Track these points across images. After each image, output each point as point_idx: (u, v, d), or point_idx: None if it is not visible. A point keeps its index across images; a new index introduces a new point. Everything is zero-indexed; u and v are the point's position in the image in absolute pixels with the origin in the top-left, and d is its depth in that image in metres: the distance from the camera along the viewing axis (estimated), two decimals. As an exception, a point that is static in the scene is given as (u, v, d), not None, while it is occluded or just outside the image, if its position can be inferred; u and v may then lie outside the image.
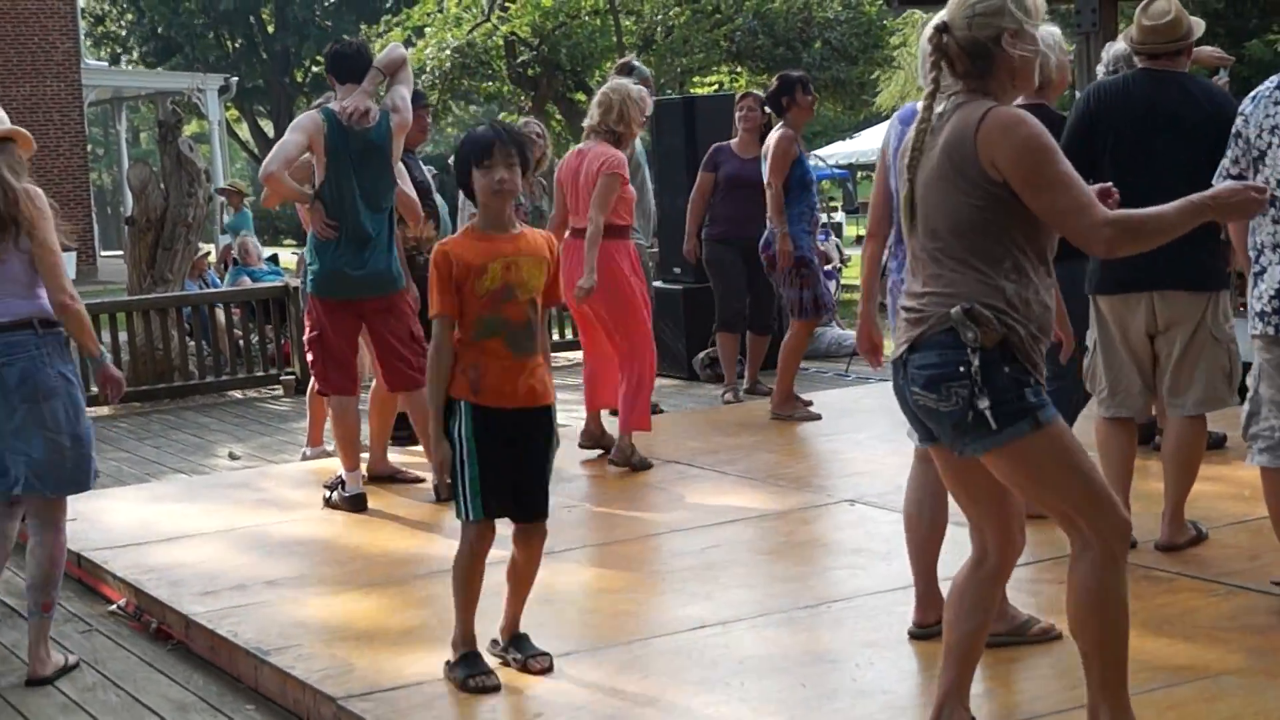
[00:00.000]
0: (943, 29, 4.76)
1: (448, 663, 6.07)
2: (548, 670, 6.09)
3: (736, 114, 12.52)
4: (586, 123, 10.02)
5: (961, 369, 4.61)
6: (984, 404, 4.59)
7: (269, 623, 6.97)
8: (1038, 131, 4.65)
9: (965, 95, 4.75)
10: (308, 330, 9.26)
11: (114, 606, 7.79)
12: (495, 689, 5.92)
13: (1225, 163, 6.52)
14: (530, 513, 6.10)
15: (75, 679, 6.80)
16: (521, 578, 6.21)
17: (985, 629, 5.06)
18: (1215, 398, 7.09)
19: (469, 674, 5.96)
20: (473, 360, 5.92)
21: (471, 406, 5.91)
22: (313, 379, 10.04)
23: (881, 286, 6.55)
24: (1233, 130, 6.49)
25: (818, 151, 32.64)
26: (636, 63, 12.82)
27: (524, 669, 6.10)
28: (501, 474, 5.94)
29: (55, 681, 6.76)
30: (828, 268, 18.66)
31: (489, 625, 6.21)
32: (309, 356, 9.34)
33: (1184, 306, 6.94)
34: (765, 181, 11.37)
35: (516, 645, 6.21)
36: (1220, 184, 5.39)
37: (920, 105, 4.87)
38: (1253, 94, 6.46)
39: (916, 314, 4.75)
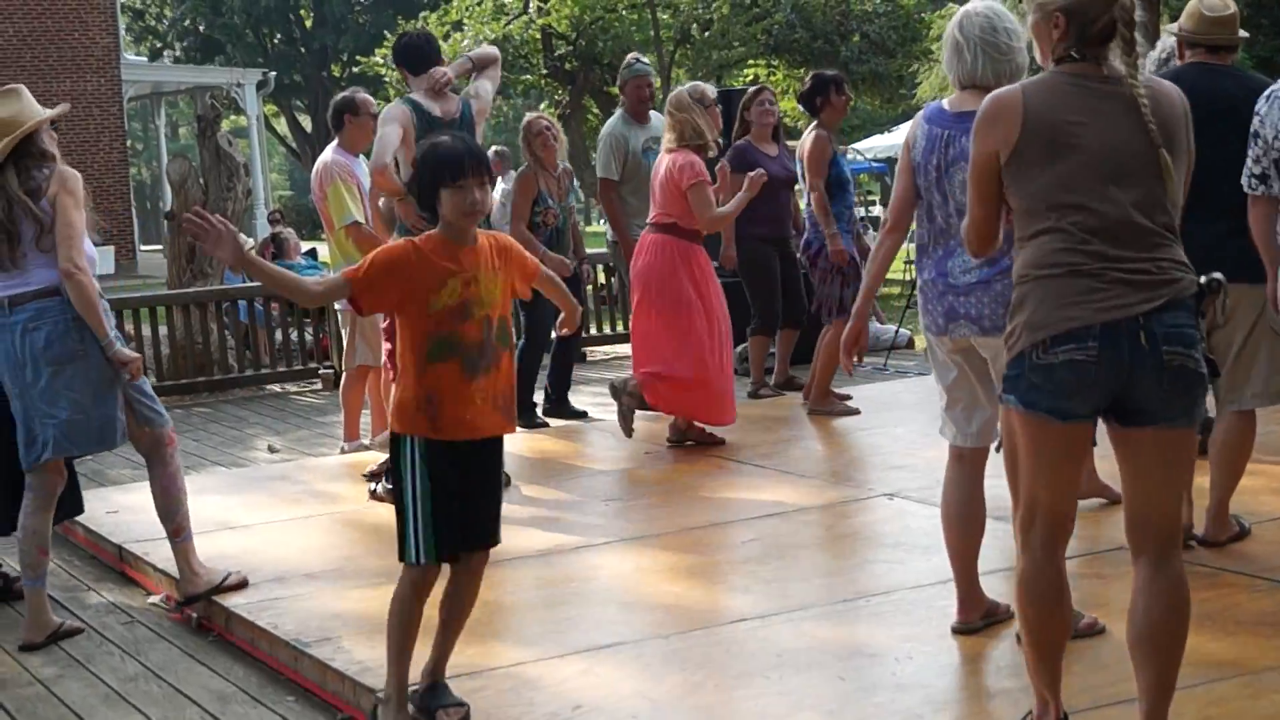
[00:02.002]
0: None
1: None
2: None
3: (754, 110, 12.33)
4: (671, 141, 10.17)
5: (1198, 335, 4.58)
6: (1208, 372, 4.63)
7: (309, 615, 6.99)
8: None
9: (1110, 63, 4.70)
10: (386, 321, 9.07)
11: (155, 599, 7.82)
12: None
13: (1248, 161, 6.49)
14: (486, 540, 5.71)
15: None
16: (463, 609, 5.74)
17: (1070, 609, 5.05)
18: (1275, 390, 7.04)
19: (434, 708, 5.61)
20: (428, 390, 5.45)
21: (425, 441, 5.48)
22: (344, 375, 10.07)
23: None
24: (1251, 129, 6.46)
25: (856, 145, 32.58)
26: (638, 58, 12.87)
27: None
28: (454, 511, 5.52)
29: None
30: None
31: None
32: (386, 346, 9.24)
33: (1246, 299, 6.83)
34: (805, 183, 11.38)
35: (433, 694, 5.69)
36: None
37: (1128, 74, 4.69)
38: (1267, 92, 6.42)
39: (1155, 275, 4.57)
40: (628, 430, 10.13)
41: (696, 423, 10.24)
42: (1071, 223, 4.62)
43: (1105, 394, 4.62)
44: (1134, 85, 4.63)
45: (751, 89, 12.87)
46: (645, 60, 13.12)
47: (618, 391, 10.11)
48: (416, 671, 5.69)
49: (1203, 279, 4.60)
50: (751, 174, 10.05)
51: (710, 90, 10.34)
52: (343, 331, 10.72)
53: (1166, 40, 7.60)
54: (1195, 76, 6.95)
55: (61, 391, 7.09)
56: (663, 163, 10.11)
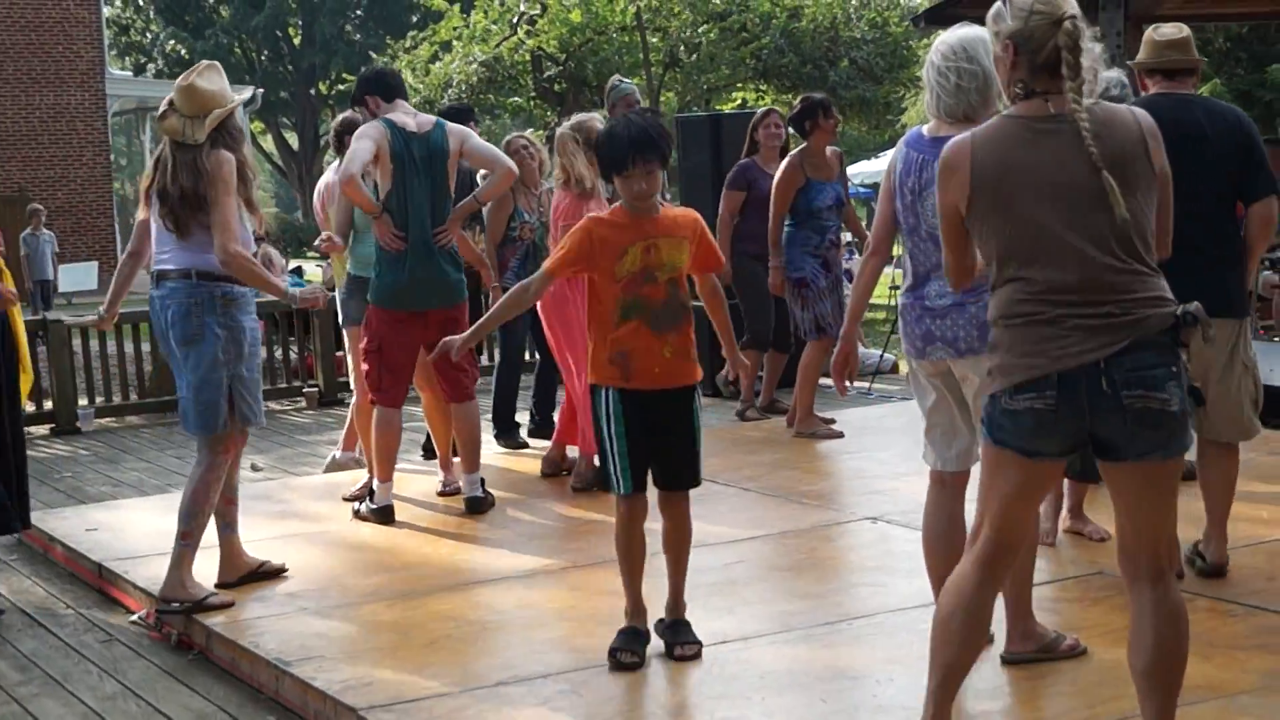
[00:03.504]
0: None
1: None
2: (693, 658, 6.29)
3: (761, 131, 12.47)
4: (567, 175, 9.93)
5: (1174, 369, 4.56)
6: (1188, 404, 4.60)
7: (290, 634, 6.97)
8: None
9: (1070, 96, 4.67)
10: (365, 342, 9.12)
11: (135, 617, 7.80)
12: (632, 668, 6.20)
13: None
14: (683, 483, 6.45)
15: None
16: (680, 548, 6.48)
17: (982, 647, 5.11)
18: (1249, 426, 7.05)
19: (617, 647, 6.25)
20: (619, 347, 6.20)
21: (620, 391, 6.23)
22: (355, 391, 10.05)
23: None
24: None
25: (854, 167, 32.60)
26: (621, 79, 12.86)
27: (669, 654, 6.33)
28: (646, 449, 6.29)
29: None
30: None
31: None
32: (364, 368, 9.22)
33: (1222, 334, 6.81)
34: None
35: (672, 630, 6.42)
36: None
37: (1073, 102, 4.66)
38: None
39: (1118, 317, 4.56)
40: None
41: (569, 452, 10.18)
42: (1028, 273, 4.67)
43: (1070, 436, 4.67)
44: (1077, 114, 4.61)
45: (760, 111, 12.94)
46: (629, 81, 13.11)
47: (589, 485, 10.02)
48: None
49: (1179, 311, 4.57)
50: None
51: (599, 123, 10.11)
52: (342, 353, 10.72)
53: (1109, 75, 7.53)
54: (1159, 107, 6.94)
55: (181, 370, 7.50)
56: (560, 202, 9.87)
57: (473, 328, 6.57)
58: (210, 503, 7.57)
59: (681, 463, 6.39)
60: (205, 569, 7.74)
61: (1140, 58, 7.19)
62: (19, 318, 8.36)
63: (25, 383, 8.53)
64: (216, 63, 7.74)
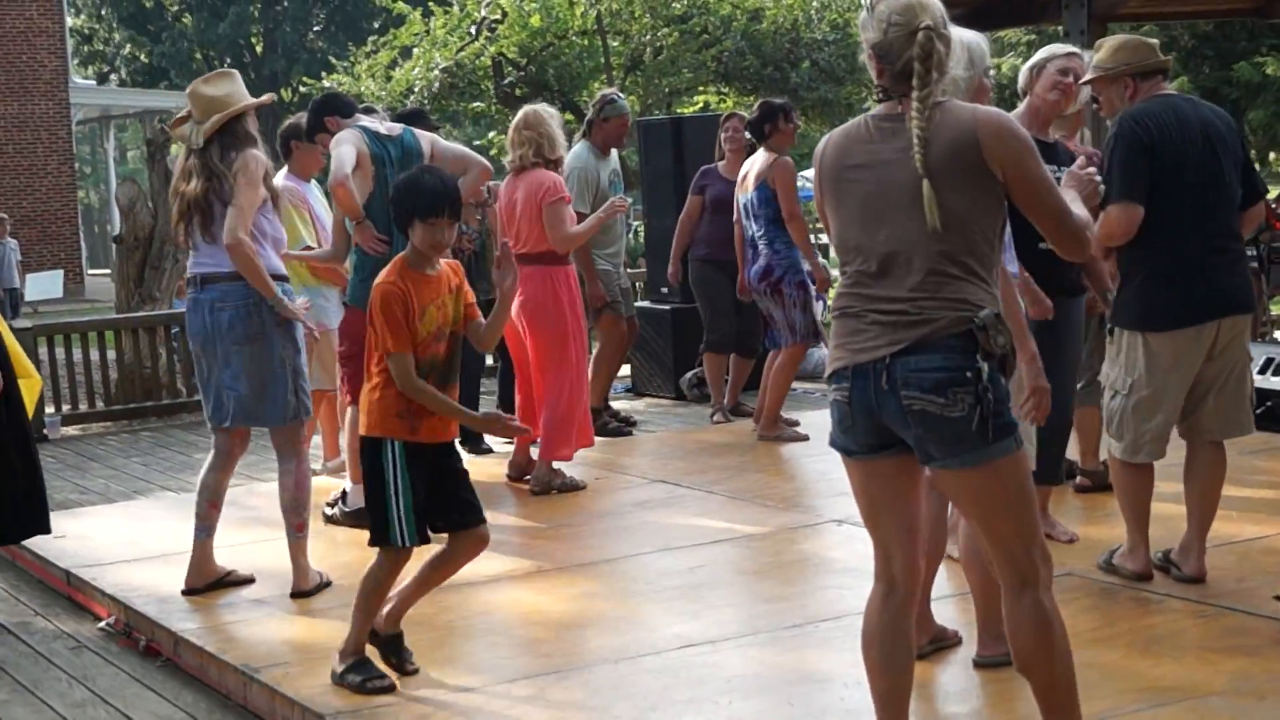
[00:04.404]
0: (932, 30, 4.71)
1: (334, 671, 6.26)
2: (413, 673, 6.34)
3: (722, 135, 12.47)
4: (516, 160, 10.03)
5: (969, 374, 4.52)
6: (987, 413, 4.54)
7: (258, 640, 6.99)
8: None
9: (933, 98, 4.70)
10: (344, 344, 9.05)
11: (103, 624, 7.80)
12: (391, 689, 6.16)
13: None
14: (479, 519, 6.35)
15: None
16: (446, 573, 6.44)
17: (913, 665, 5.06)
18: (1248, 422, 7.07)
19: (365, 678, 6.18)
20: (407, 403, 6.14)
21: (405, 444, 6.15)
22: (342, 393, 10.01)
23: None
24: None
25: (804, 173, 32.62)
26: (618, 95, 12.79)
27: (400, 672, 6.33)
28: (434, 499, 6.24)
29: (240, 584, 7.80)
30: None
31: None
32: (340, 372, 9.18)
33: (1240, 330, 6.89)
34: (784, 212, 11.33)
35: (394, 647, 6.41)
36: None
37: (915, 108, 4.68)
38: None
39: (910, 316, 4.60)
40: (573, 485, 10.08)
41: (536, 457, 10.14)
42: (849, 267, 4.79)
43: (867, 432, 4.77)
44: (913, 119, 4.63)
45: (724, 115, 12.95)
46: (624, 99, 13.00)
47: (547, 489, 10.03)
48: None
49: (976, 318, 4.55)
50: (614, 199, 10.51)
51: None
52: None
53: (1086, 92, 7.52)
54: (1183, 108, 6.92)
55: (242, 369, 7.61)
56: (517, 188, 9.95)
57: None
58: (311, 486, 7.93)
59: (469, 494, 6.33)
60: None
61: (1131, 61, 7.01)
62: (3, 325, 8.28)
63: (31, 388, 8.44)
64: (233, 71, 7.91)
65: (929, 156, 4.59)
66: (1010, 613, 4.78)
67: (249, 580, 7.92)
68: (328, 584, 7.77)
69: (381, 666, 6.28)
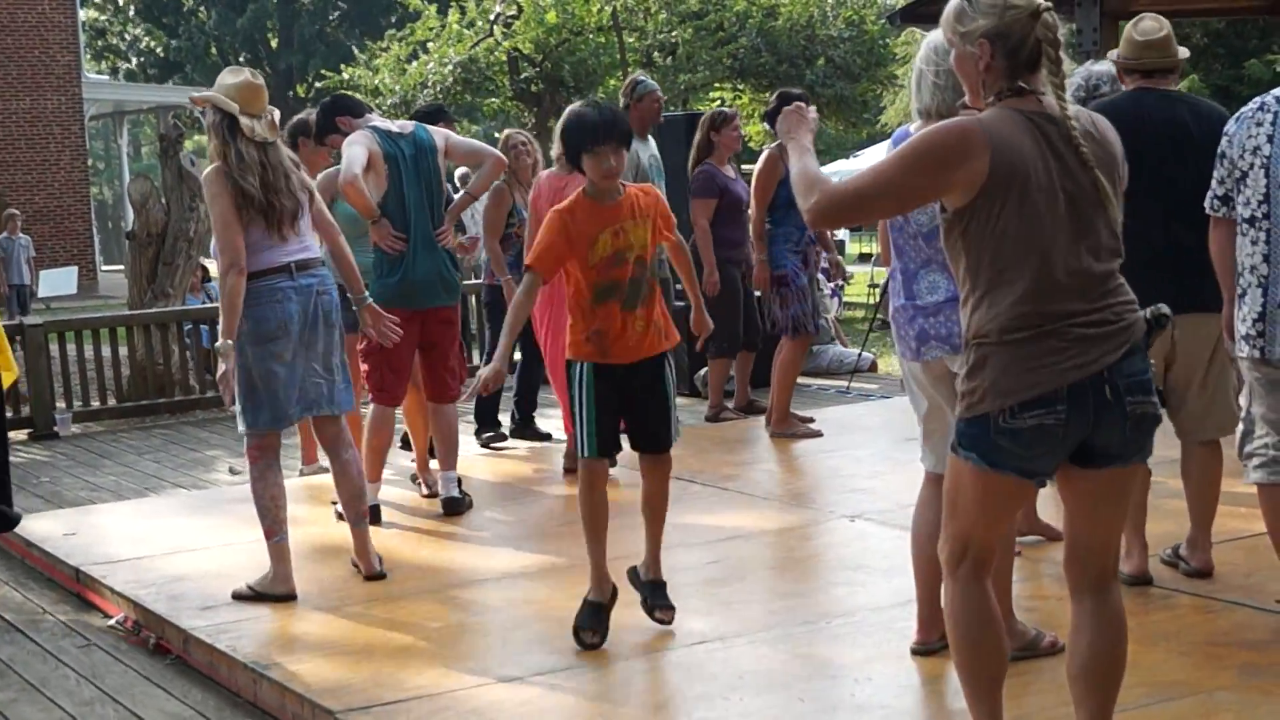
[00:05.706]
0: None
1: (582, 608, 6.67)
2: (666, 623, 6.71)
3: (728, 134, 12.31)
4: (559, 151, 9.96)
5: (1150, 374, 4.53)
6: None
7: (268, 637, 6.97)
8: None
9: (1042, 95, 4.52)
10: (365, 342, 8.89)
11: (113, 621, 7.78)
12: (592, 647, 6.49)
13: (1213, 183, 6.40)
14: (658, 445, 6.70)
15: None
16: (655, 509, 6.82)
17: None
18: (1233, 419, 7.03)
19: (580, 626, 6.58)
20: (595, 326, 6.48)
21: (594, 366, 6.51)
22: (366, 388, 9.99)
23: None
24: (1219, 150, 6.38)
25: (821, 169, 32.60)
26: (643, 76, 12.72)
27: (648, 612, 6.75)
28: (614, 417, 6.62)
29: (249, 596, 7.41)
30: (834, 285, 18.62)
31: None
32: (364, 368, 9.16)
33: (1207, 329, 6.79)
34: (753, 198, 11.39)
35: (651, 590, 6.80)
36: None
37: (1055, 96, 4.47)
38: (1237, 115, 6.36)
39: (1111, 324, 4.46)
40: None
41: None
42: (1034, 278, 4.41)
43: (1070, 449, 4.52)
44: (1066, 118, 4.44)
45: (727, 112, 12.80)
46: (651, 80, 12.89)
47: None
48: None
49: (1147, 314, 4.49)
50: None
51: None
52: None
53: (1093, 69, 7.48)
54: (1149, 104, 6.92)
55: (335, 352, 7.74)
56: (566, 185, 9.61)
57: (499, 349, 6.55)
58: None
59: (658, 424, 6.65)
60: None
61: (1122, 54, 7.08)
62: None
63: (6, 379, 8.51)
64: (253, 74, 7.76)
65: (1092, 154, 4.47)
66: (1095, 613, 4.69)
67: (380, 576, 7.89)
68: (384, 574, 7.82)
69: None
